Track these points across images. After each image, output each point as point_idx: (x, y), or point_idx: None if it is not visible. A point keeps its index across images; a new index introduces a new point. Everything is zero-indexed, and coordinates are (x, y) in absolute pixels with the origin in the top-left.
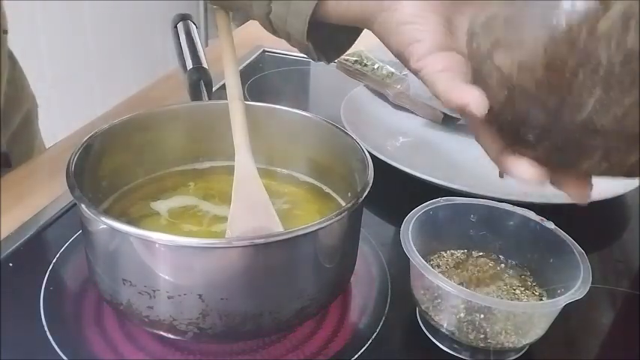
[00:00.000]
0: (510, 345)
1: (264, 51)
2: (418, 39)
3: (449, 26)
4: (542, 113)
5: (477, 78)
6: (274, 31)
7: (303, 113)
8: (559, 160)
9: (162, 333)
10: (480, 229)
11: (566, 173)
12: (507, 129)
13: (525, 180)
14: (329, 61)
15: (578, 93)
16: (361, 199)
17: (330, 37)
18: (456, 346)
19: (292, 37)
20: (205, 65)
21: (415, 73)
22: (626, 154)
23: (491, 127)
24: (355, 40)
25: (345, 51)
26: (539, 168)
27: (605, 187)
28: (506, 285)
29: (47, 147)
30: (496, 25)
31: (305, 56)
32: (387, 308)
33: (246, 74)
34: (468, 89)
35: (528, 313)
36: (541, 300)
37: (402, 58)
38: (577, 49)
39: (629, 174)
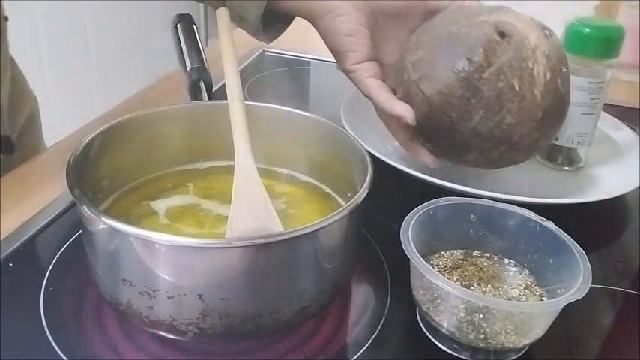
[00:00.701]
0: (510, 345)
1: (264, 51)
2: (355, 50)
3: (373, 39)
4: (447, 123)
5: (407, 98)
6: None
7: (303, 113)
8: (452, 153)
9: (162, 333)
10: (480, 229)
11: (448, 159)
12: (422, 130)
13: (424, 163)
14: (269, 41)
15: (469, 111)
16: (361, 199)
17: (272, 21)
18: (456, 346)
19: (244, 20)
20: (205, 65)
21: (346, 72)
22: (491, 151)
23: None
24: (290, 24)
25: (282, 32)
26: (433, 156)
27: (605, 187)
28: (505, 285)
29: (48, 147)
30: (422, 65)
31: (305, 56)
32: (387, 308)
33: (246, 74)
34: (404, 106)
35: (528, 313)
36: (541, 300)
37: (337, 57)
38: (471, 86)
39: (492, 165)
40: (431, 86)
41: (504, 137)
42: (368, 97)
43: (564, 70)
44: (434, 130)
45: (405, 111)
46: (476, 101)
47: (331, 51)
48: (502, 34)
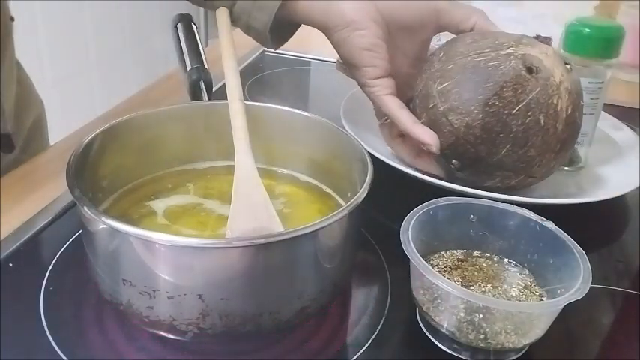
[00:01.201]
0: (510, 345)
1: (264, 51)
2: (374, 65)
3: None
4: (473, 154)
5: (433, 126)
6: (232, 21)
7: (303, 113)
8: (472, 179)
9: (162, 333)
10: (480, 229)
11: (465, 184)
12: (445, 156)
13: (432, 174)
14: (276, 48)
15: (497, 145)
16: (361, 199)
17: (279, 28)
18: (456, 346)
19: (252, 28)
20: (205, 65)
21: (362, 86)
22: (511, 179)
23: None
24: (296, 31)
25: (289, 39)
26: (441, 169)
27: (605, 187)
28: (505, 285)
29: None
30: (450, 96)
31: (305, 56)
32: (387, 308)
33: (246, 74)
34: (430, 133)
35: (528, 313)
36: (541, 300)
37: (352, 70)
38: (500, 122)
39: (508, 190)
40: (460, 119)
41: (525, 167)
42: (386, 113)
43: (582, 103)
44: (457, 159)
45: (430, 139)
46: (504, 136)
47: (345, 62)
48: (530, 70)
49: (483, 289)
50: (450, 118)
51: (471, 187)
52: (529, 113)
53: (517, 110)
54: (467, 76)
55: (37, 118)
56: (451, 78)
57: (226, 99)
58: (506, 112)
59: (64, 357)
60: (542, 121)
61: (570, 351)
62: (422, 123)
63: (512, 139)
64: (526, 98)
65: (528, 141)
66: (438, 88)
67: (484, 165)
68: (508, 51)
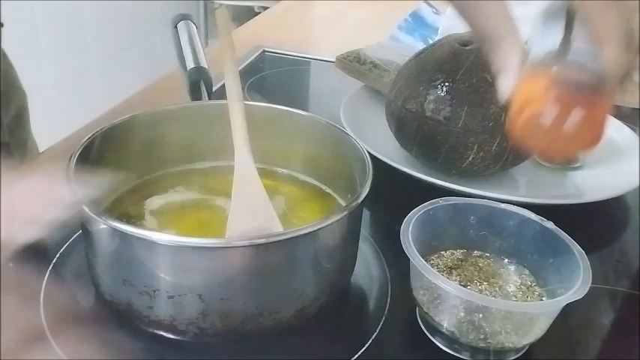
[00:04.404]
0: (510, 345)
1: (264, 51)
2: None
3: None
4: (439, 128)
5: (399, 124)
6: None
7: (303, 113)
8: (455, 158)
9: (162, 333)
10: (480, 229)
11: (456, 169)
12: (420, 145)
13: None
14: None
15: (455, 110)
16: (361, 199)
17: None
18: (456, 346)
19: None
20: (205, 65)
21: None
22: (490, 144)
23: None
24: None
25: None
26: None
27: (605, 187)
28: (505, 285)
29: (48, 147)
30: (403, 90)
31: (305, 56)
32: (387, 308)
33: (246, 74)
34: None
35: (528, 313)
36: (541, 300)
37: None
38: (449, 89)
39: (497, 160)
40: (415, 102)
41: (495, 126)
42: None
43: None
44: (431, 141)
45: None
46: (457, 100)
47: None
48: (464, 44)
49: (480, 287)
50: (407, 107)
51: (460, 169)
52: (472, 75)
53: (461, 75)
54: (411, 70)
55: (18, 110)
56: (400, 80)
57: (226, 99)
58: (450, 79)
59: (64, 357)
60: (488, 78)
61: (570, 351)
62: (393, 130)
63: (466, 100)
64: (465, 64)
65: (483, 99)
66: (393, 92)
67: (454, 135)
68: (442, 41)
